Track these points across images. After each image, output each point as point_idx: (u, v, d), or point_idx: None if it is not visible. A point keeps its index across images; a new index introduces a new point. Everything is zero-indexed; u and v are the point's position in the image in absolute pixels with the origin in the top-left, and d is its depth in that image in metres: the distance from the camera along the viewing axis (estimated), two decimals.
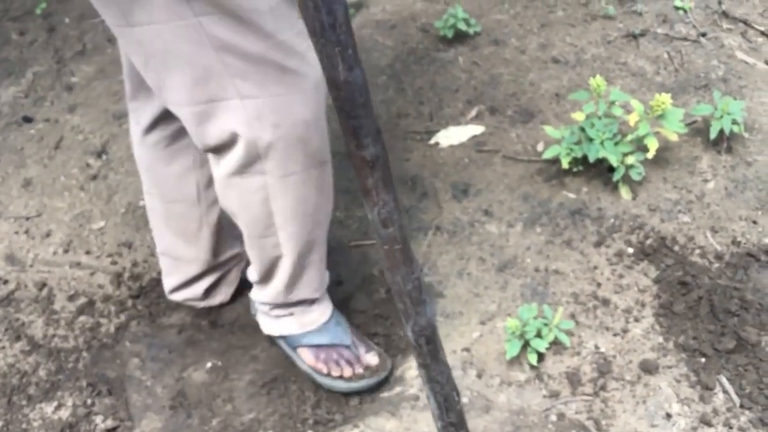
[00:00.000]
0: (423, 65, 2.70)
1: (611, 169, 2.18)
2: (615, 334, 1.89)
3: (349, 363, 1.81)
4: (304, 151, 1.56)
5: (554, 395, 1.79)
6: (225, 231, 1.95)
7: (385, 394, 1.86)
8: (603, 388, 1.79)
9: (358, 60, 0.93)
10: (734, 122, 2.21)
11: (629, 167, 2.15)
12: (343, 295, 1.99)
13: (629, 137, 2.16)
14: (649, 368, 1.81)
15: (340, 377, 1.80)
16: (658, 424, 1.72)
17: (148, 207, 1.95)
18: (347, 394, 1.85)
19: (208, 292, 2.02)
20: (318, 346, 1.83)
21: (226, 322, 2.05)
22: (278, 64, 1.44)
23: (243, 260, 2.01)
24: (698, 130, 2.34)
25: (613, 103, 2.19)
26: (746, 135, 2.29)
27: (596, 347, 1.87)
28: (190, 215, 1.86)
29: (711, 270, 1.99)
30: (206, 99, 1.48)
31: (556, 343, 1.87)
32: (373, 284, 2.07)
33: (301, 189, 1.60)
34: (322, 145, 1.58)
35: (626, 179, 2.18)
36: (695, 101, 2.42)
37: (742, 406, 1.73)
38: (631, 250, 2.06)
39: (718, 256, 2.03)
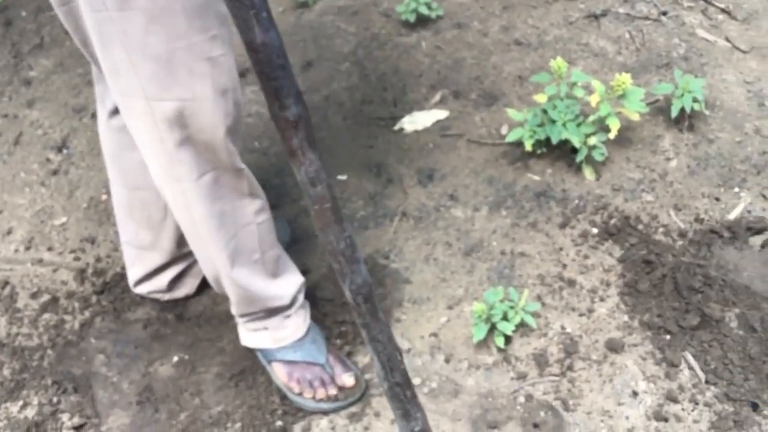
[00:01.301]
0: (386, 51, 2.69)
1: (574, 151, 2.19)
2: (581, 315, 1.90)
3: (323, 383, 1.80)
4: (213, 157, 1.53)
5: (522, 377, 1.80)
6: None
7: None
8: (570, 368, 1.80)
9: (273, 22, 0.96)
10: (695, 100, 2.22)
11: (592, 148, 2.16)
12: (310, 284, 1.97)
13: (591, 118, 2.17)
14: (615, 347, 1.82)
15: (312, 398, 1.79)
16: (625, 402, 1.73)
17: (113, 196, 1.92)
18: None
19: (173, 283, 2.00)
20: (292, 363, 1.82)
21: (192, 315, 2.03)
22: (187, 67, 1.40)
23: None
24: (660, 109, 2.35)
25: (574, 84, 2.20)
26: (707, 113, 2.31)
27: (562, 328, 1.88)
28: (155, 204, 1.83)
29: (675, 248, 2.01)
30: (119, 91, 1.46)
31: (522, 326, 1.87)
32: None
33: (213, 188, 1.56)
34: (232, 153, 1.54)
35: (589, 160, 2.19)
36: (657, 80, 2.43)
37: (707, 381, 1.75)
38: (595, 231, 2.07)
39: (682, 234, 2.04)
